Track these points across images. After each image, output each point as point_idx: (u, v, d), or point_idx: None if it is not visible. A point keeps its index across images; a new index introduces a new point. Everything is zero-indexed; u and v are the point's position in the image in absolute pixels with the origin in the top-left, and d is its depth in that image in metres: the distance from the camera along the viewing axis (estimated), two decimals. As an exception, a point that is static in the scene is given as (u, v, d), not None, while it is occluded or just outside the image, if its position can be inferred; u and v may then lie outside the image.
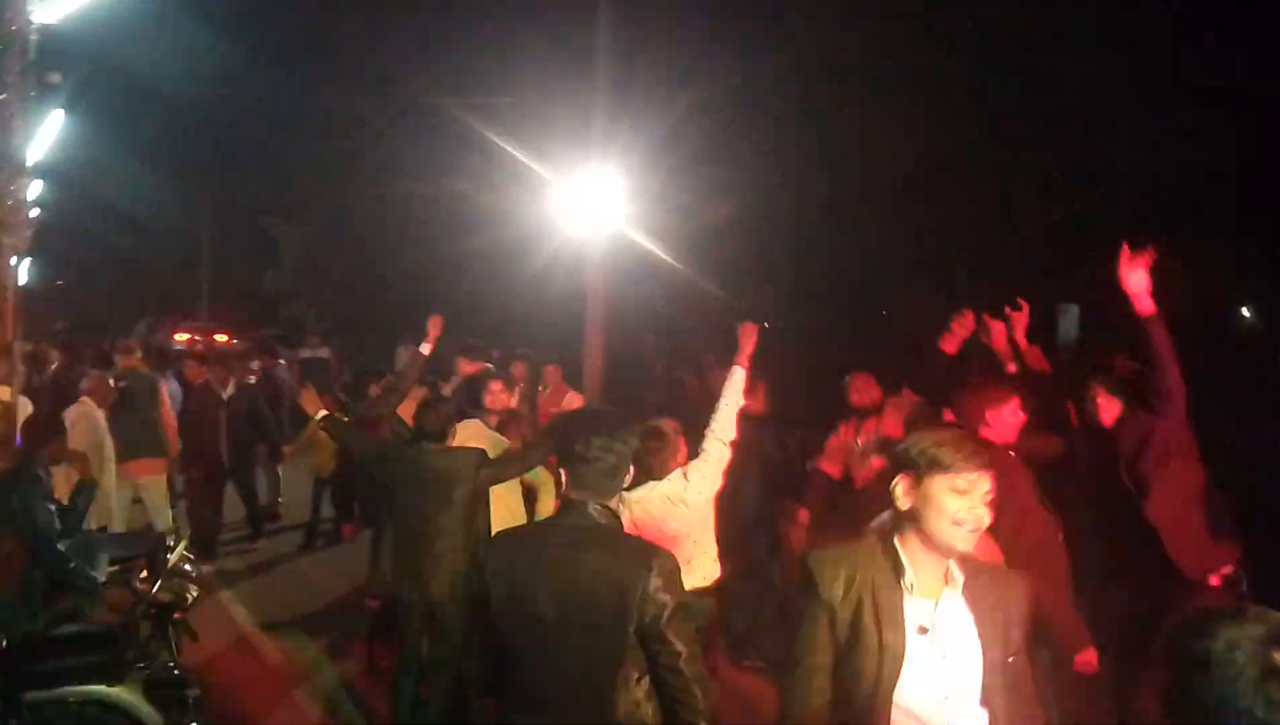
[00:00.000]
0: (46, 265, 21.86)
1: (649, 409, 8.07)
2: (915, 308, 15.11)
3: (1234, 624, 1.51)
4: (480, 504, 4.89)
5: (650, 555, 2.53)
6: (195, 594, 5.39)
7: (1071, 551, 3.97)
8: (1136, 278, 3.97)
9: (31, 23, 6.37)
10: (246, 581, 8.05)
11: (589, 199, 12.63)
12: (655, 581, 2.48)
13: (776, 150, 15.21)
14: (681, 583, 2.57)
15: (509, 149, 14.24)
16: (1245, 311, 15.88)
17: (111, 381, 7.68)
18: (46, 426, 5.02)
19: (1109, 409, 4.36)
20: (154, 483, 7.81)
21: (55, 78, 7.65)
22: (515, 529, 3.12)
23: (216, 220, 32.30)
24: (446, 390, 7.00)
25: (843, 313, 16.44)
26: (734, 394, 4.57)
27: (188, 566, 5.83)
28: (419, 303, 23.33)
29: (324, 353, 13.00)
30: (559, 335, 16.18)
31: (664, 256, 14.75)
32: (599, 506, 2.63)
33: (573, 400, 8.48)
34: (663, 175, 14.73)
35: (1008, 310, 5.27)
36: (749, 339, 4.72)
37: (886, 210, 15.26)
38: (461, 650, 4.63)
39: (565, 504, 2.67)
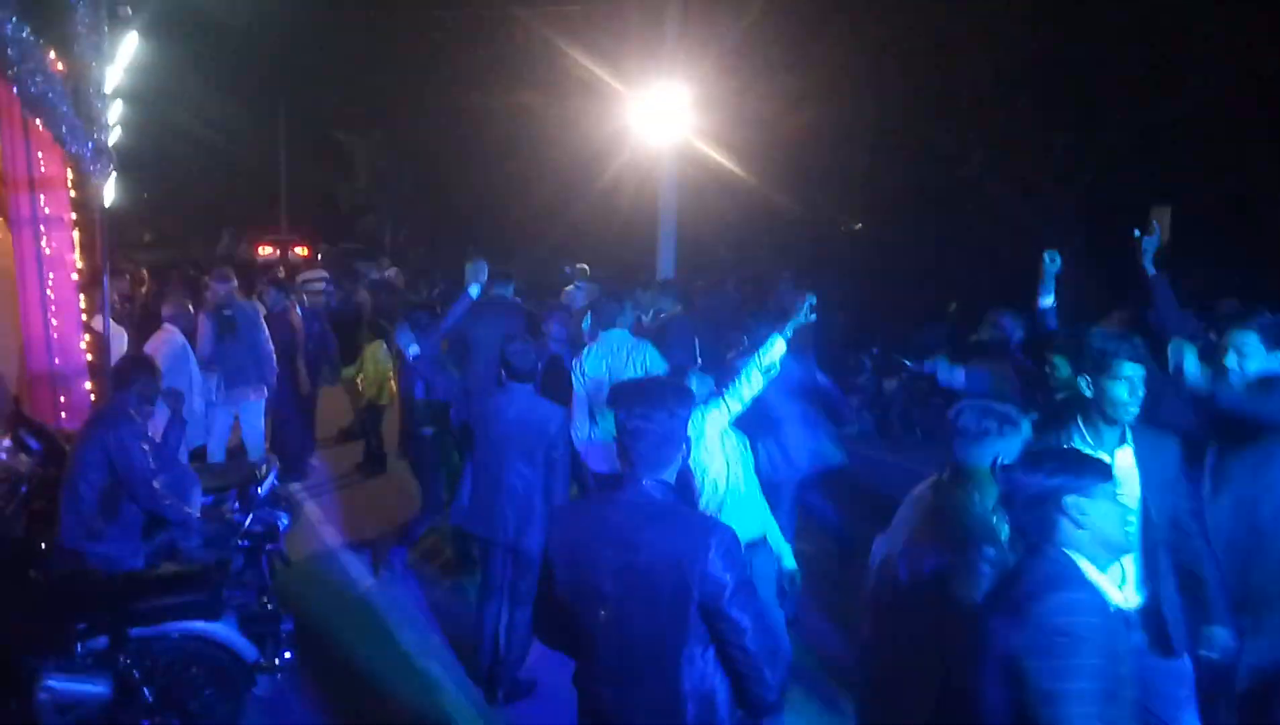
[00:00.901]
0: (130, 185, 22.20)
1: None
2: (998, 216, 14.59)
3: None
4: (559, 457, 4.88)
5: (709, 532, 2.48)
6: (286, 521, 5.53)
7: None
8: None
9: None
10: (334, 503, 8.25)
11: (660, 110, 12.32)
12: (715, 559, 2.42)
13: (853, 57, 14.54)
14: (743, 558, 2.51)
15: (579, 59, 13.93)
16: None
17: (214, 308, 7.80)
18: (137, 365, 5.07)
19: None
20: (253, 407, 7.97)
21: (126, 9, 7.57)
22: (576, 503, 3.09)
23: (291, 134, 32.54)
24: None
25: (923, 223, 15.89)
26: (769, 355, 4.41)
27: (278, 493, 6.01)
28: (489, 217, 23.40)
29: (390, 273, 13.00)
30: (629, 251, 16.03)
31: (736, 169, 14.39)
32: (653, 481, 2.56)
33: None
34: (736, 84, 14.26)
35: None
36: (798, 314, 4.52)
37: (968, 117, 14.54)
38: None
39: (622, 478, 2.61)
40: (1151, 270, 4.85)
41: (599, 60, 13.86)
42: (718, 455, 4.38)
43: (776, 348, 4.44)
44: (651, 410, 2.55)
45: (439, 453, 6.72)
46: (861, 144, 16.25)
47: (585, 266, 11.87)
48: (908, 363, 10.65)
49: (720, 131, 13.66)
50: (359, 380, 9.10)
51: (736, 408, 4.42)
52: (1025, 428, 2.82)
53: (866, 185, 16.65)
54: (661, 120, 12.28)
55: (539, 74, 16.96)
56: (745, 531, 4.30)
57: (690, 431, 4.36)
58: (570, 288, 10.93)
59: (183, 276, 10.85)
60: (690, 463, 4.40)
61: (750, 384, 4.41)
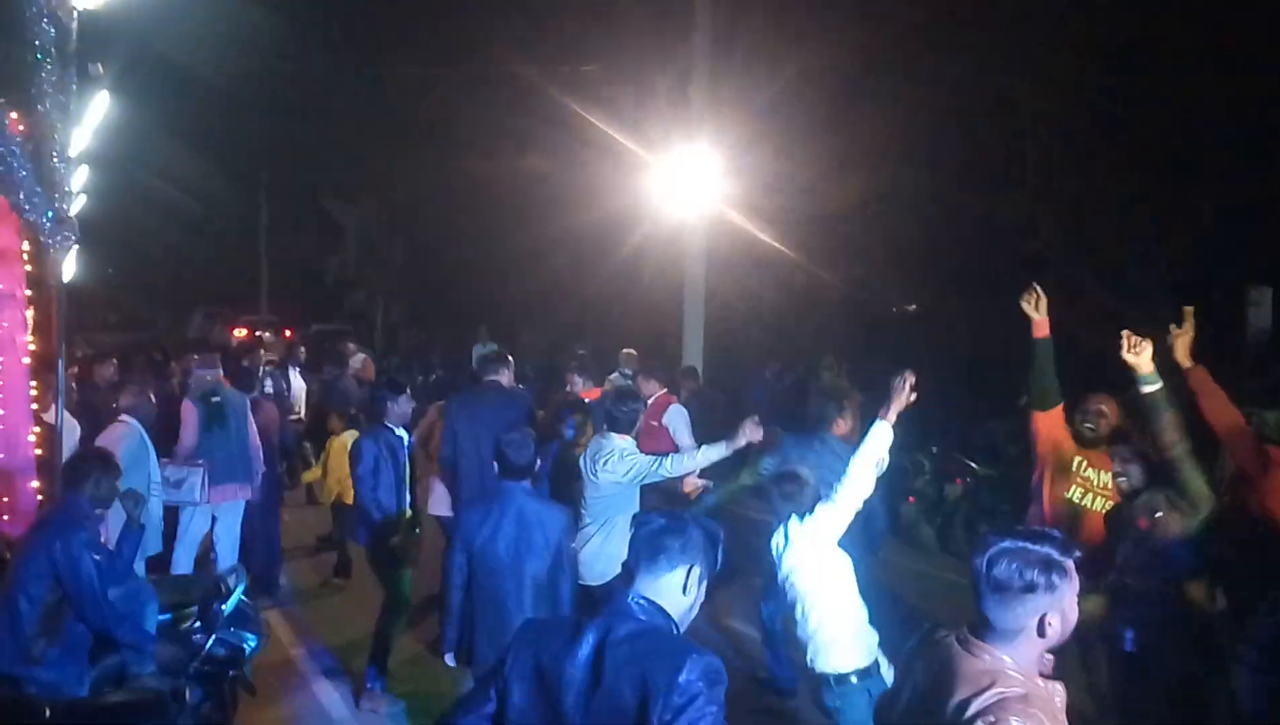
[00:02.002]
0: (95, 258, 22.60)
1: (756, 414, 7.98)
2: (1071, 298, 14.58)
3: None
4: (565, 561, 4.87)
5: (687, 652, 2.52)
6: (254, 643, 5.48)
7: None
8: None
9: (73, 7, 6.58)
10: (308, 621, 8.18)
11: (686, 177, 12.54)
12: (689, 675, 2.47)
13: (904, 116, 14.76)
14: (722, 692, 2.53)
15: (596, 122, 14.24)
16: None
17: (201, 395, 7.89)
18: (92, 461, 5.10)
19: None
20: (234, 509, 8.00)
21: (97, 67, 7.84)
22: (544, 620, 3.17)
23: (273, 204, 33.33)
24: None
25: (986, 305, 15.90)
26: (875, 446, 4.44)
27: (246, 611, 5.96)
28: (490, 293, 23.71)
29: (358, 362, 13.19)
30: (651, 331, 16.15)
31: (771, 241, 14.54)
32: (641, 598, 2.63)
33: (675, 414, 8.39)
34: (771, 148, 14.50)
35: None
36: (901, 394, 4.54)
37: (1037, 183, 14.68)
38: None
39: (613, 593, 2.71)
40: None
41: (618, 123, 14.17)
42: (811, 574, 4.34)
43: (882, 436, 4.46)
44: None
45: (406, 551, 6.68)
46: (915, 215, 16.36)
47: (633, 351, 11.87)
48: (973, 464, 10.56)
49: (753, 200, 13.86)
50: (325, 480, 9.24)
51: (845, 516, 4.39)
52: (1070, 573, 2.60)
53: (921, 261, 16.71)
54: (688, 187, 12.48)
55: (551, 137, 17.32)
56: (850, 661, 4.26)
57: (781, 547, 4.40)
58: (614, 376, 10.91)
59: (148, 361, 10.98)
60: (782, 581, 4.40)
61: (857, 483, 4.39)
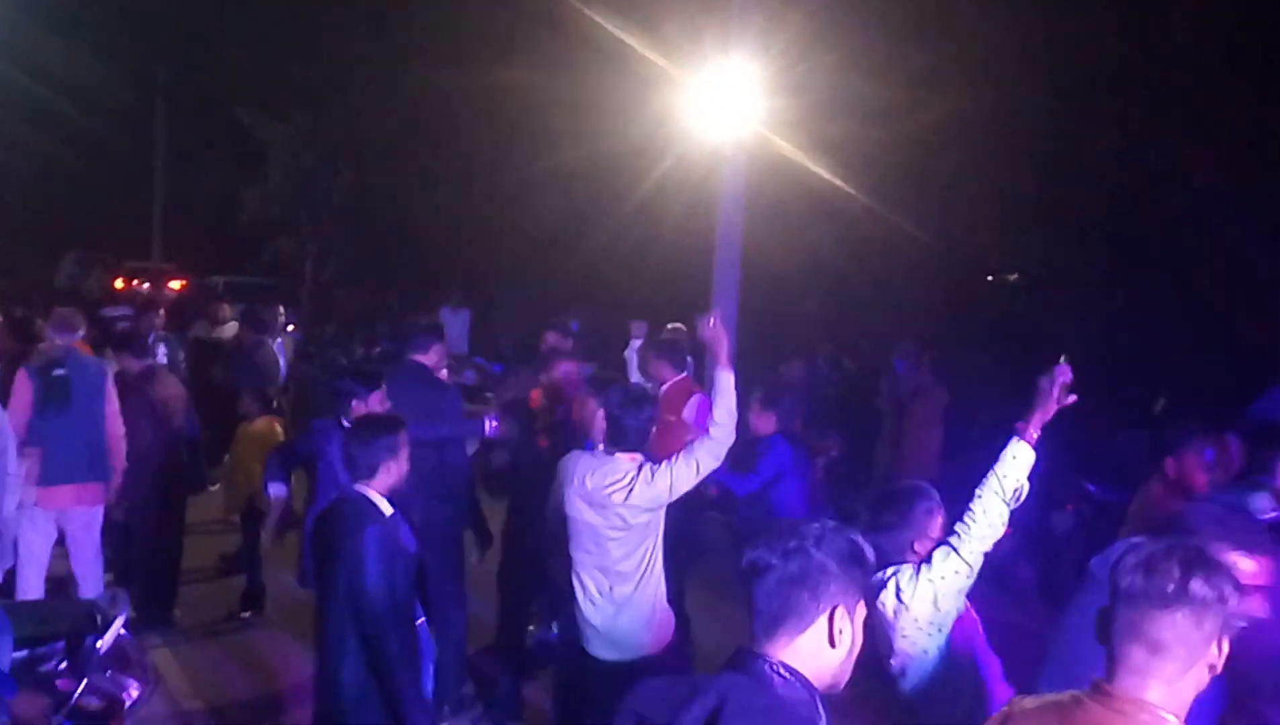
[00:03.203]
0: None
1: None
2: (1236, 266, 14.50)
3: None
4: None
5: None
6: (137, 692, 5.57)
7: None
8: None
9: None
10: (206, 663, 8.27)
11: (721, 95, 12.53)
12: None
13: (1014, 24, 14.71)
14: None
15: (602, 22, 14.22)
16: None
17: (43, 364, 7.94)
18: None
19: None
20: (83, 519, 8.04)
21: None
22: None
23: (173, 115, 33.25)
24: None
25: (1117, 275, 15.87)
26: (1012, 472, 4.46)
27: (127, 650, 6.05)
28: (462, 243, 23.62)
29: (228, 329, 13.36)
30: (674, 293, 16.16)
31: (831, 178, 14.51)
32: (780, 669, 2.66)
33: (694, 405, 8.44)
34: (832, 59, 14.46)
35: None
36: (1050, 399, 4.53)
37: (1190, 118, 14.60)
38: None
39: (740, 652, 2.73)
40: None
41: (632, 24, 14.15)
42: (928, 633, 4.39)
43: (1022, 458, 4.46)
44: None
45: None
46: (1025, 150, 16.29)
47: (681, 325, 11.92)
48: (1091, 489, 10.58)
49: (807, 126, 13.80)
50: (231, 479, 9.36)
51: (973, 564, 4.42)
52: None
53: (1031, 213, 16.65)
54: (723, 109, 12.48)
55: (544, 44, 17.31)
56: None
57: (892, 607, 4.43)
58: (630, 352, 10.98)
59: (7, 320, 11.05)
60: (899, 643, 4.45)
61: (990, 520, 4.41)
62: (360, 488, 4.97)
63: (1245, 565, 3.64)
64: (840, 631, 2.66)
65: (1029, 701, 2.90)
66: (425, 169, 23.63)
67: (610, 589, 5.49)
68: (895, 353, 12.53)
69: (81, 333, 8.40)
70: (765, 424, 7.76)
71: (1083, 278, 16.13)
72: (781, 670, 2.63)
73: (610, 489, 5.42)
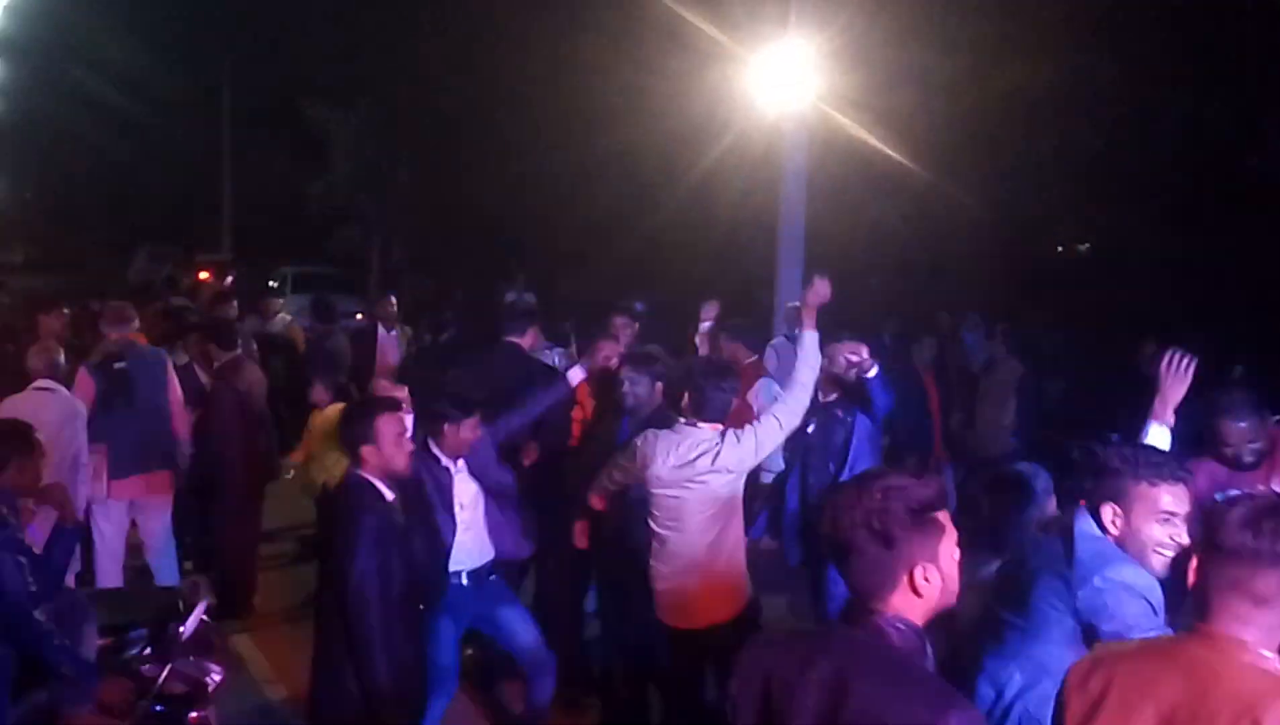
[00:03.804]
0: (3, 180, 22.72)
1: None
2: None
3: None
4: None
5: (949, 707, 2.60)
6: (219, 677, 5.59)
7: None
8: None
9: None
10: (288, 650, 8.31)
11: (782, 70, 12.44)
12: None
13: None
14: None
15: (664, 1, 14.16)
16: None
17: (102, 359, 7.96)
18: (7, 439, 5.21)
19: None
20: (155, 509, 8.12)
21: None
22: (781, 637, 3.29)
23: (239, 108, 33.43)
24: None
25: (1192, 244, 15.59)
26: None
27: (209, 637, 6.08)
28: (526, 228, 23.60)
29: (279, 322, 13.34)
30: (733, 271, 16.08)
31: (893, 154, 14.38)
32: (894, 618, 2.72)
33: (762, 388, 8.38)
34: (897, 28, 14.30)
35: None
36: (1177, 381, 4.57)
37: (1264, 85, 14.33)
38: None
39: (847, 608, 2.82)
40: None
41: (691, 0, 14.07)
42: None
43: (1160, 442, 4.43)
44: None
45: None
46: (1095, 120, 16.04)
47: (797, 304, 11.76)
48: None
49: (870, 100, 13.68)
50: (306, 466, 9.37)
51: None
52: None
53: (1100, 184, 16.41)
54: (785, 84, 12.38)
55: (604, 25, 17.23)
56: None
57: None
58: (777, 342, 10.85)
59: (83, 313, 11.14)
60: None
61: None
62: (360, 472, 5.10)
63: None
64: (923, 583, 2.71)
65: (1116, 646, 3.03)
66: (486, 154, 23.63)
67: (690, 558, 5.50)
68: (964, 325, 12.36)
69: (135, 324, 8.43)
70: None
71: (1156, 244, 15.88)
72: (897, 624, 2.71)
73: (698, 455, 5.44)
